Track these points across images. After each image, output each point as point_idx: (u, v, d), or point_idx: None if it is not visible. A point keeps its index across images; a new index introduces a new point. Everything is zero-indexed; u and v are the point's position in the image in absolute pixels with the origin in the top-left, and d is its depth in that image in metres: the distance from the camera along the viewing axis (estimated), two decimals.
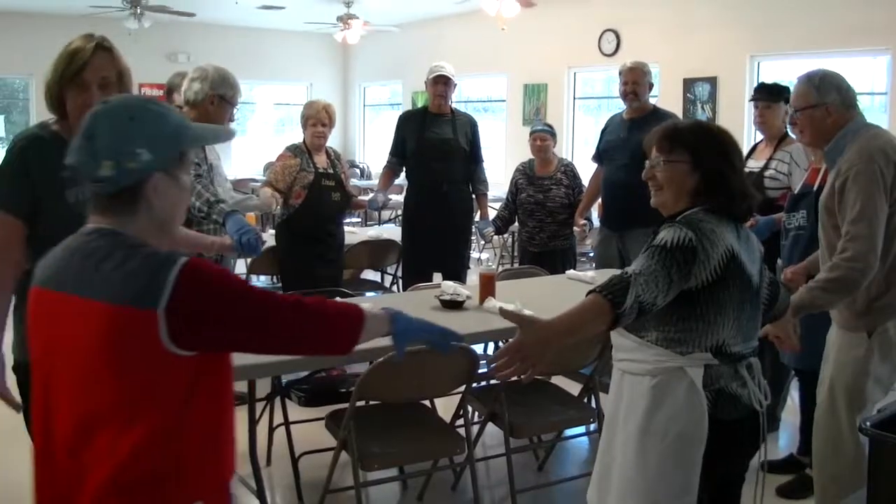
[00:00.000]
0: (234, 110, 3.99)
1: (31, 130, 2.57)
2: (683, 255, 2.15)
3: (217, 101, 3.91)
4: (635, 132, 5.21)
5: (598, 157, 5.57)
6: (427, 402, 3.82)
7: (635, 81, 5.24)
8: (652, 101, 5.54)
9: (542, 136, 5.74)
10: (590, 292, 2.12)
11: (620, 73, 5.32)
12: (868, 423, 2.35)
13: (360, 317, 1.84)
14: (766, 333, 2.72)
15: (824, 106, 3.11)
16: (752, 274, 2.29)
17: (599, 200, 5.76)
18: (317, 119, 5.11)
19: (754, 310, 2.35)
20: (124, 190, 1.67)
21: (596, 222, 5.94)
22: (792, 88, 3.28)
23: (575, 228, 5.57)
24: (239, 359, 2.98)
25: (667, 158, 2.33)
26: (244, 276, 5.97)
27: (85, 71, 2.47)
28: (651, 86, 5.39)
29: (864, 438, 3.11)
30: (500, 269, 6.63)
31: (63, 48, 2.55)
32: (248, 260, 5.61)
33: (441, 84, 5.61)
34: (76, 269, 1.66)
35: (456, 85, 5.76)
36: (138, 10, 10.51)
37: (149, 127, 1.69)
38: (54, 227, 2.44)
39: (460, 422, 3.58)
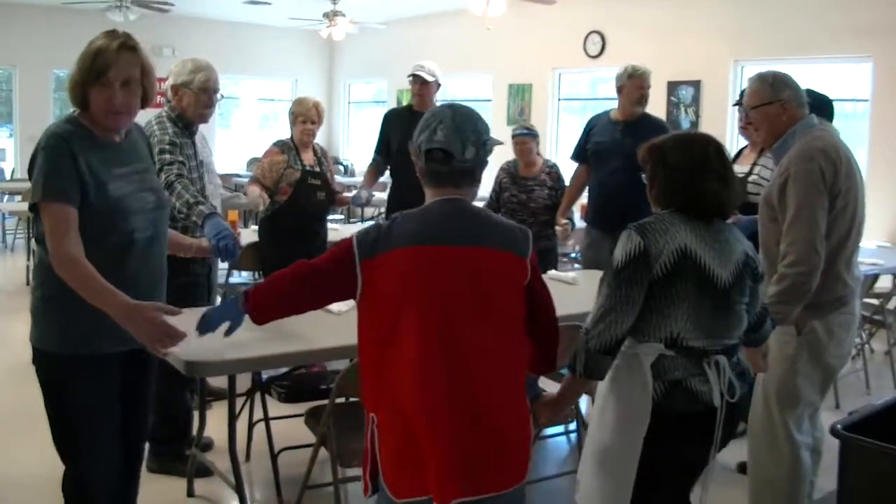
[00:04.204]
0: (214, 96, 3.93)
1: (64, 126, 2.50)
2: (637, 265, 2.35)
3: (178, 89, 3.88)
4: (630, 135, 5.23)
5: (583, 156, 5.56)
6: None
7: (649, 86, 5.33)
8: None
9: (523, 140, 5.74)
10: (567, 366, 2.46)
11: (631, 77, 5.27)
12: (839, 426, 2.38)
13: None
14: None
15: (779, 102, 3.18)
16: (716, 274, 2.38)
17: (584, 201, 5.77)
18: (307, 116, 5.10)
19: (721, 309, 2.42)
20: (474, 169, 2.25)
21: (580, 223, 5.94)
22: (745, 91, 3.34)
23: (557, 228, 5.57)
24: (219, 354, 3.01)
25: (645, 166, 2.58)
26: (226, 272, 5.97)
27: (109, 71, 2.46)
28: None
29: (801, 440, 3.17)
30: None
31: (87, 45, 2.50)
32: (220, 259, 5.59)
33: (417, 83, 5.63)
34: (467, 226, 2.20)
35: (440, 86, 5.75)
36: (124, 3, 10.45)
37: (486, 125, 2.28)
38: (96, 219, 2.46)
39: None
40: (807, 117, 3.21)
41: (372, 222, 2.36)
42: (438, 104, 2.39)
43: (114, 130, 2.57)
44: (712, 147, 2.52)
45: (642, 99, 5.30)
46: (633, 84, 5.29)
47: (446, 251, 2.16)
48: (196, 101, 3.87)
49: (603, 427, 2.48)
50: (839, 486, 2.46)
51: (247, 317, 2.43)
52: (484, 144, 2.25)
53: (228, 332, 2.53)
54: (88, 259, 2.43)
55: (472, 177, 2.27)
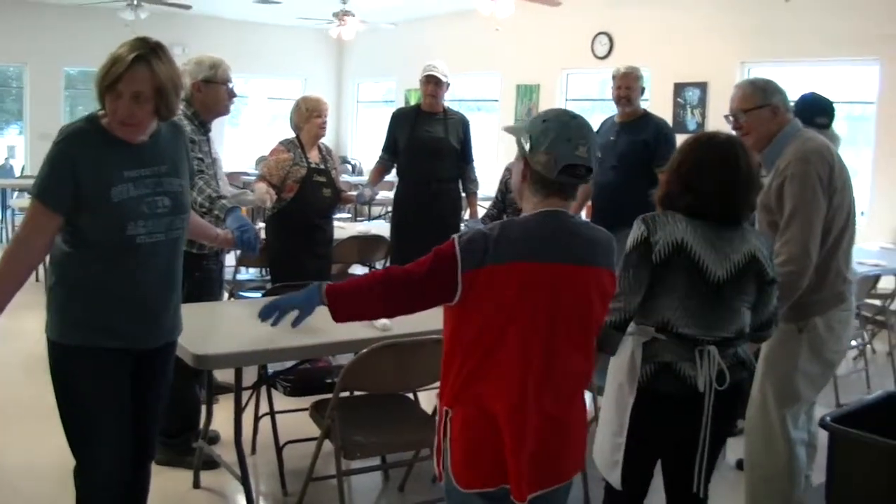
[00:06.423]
0: (230, 86, 4.04)
1: (78, 124, 2.53)
2: (640, 250, 2.54)
3: (202, 86, 3.96)
4: (624, 135, 5.30)
5: None
6: (410, 394, 3.88)
7: (628, 86, 5.33)
8: (643, 104, 5.58)
9: None
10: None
11: (614, 78, 5.40)
12: (828, 418, 2.41)
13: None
14: None
15: (769, 106, 3.20)
16: (710, 270, 2.52)
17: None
18: (321, 111, 5.17)
19: (713, 302, 2.54)
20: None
21: None
22: (732, 96, 3.36)
23: None
24: (226, 347, 3.06)
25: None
26: (233, 269, 6.01)
27: (119, 82, 2.43)
28: (643, 90, 5.47)
29: (796, 436, 3.20)
30: None
31: (114, 49, 2.50)
32: (240, 251, 5.64)
33: (432, 84, 5.67)
34: (570, 243, 2.20)
35: (448, 85, 5.80)
36: (135, 1, 10.51)
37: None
38: (95, 223, 2.49)
39: None
40: (793, 121, 3.25)
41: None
42: (552, 112, 2.29)
43: (124, 138, 2.55)
44: (719, 150, 2.59)
45: (621, 99, 5.35)
46: (615, 85, 5.37)
47: (553, 269, 2.17)
48: (224, 93, 4.02)
49: (608, 389, 2.70)
50: (828, 477, 2.49)
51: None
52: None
53: (296, 322, 2.43)
54: (89, 260, 2.52)
55: (574, 190, 2.28)
